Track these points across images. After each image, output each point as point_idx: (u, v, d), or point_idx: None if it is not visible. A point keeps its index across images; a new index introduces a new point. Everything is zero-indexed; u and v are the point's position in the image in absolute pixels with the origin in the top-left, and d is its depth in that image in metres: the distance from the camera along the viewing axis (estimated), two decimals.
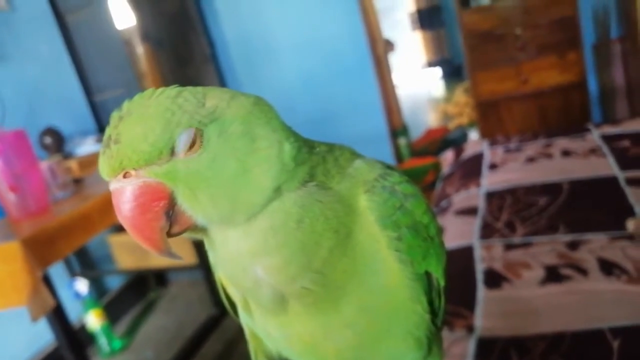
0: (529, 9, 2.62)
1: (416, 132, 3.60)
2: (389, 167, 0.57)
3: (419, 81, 5.18)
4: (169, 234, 0.47)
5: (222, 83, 3.48)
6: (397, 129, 3.32)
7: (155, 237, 0.46)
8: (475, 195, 1.79)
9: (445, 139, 3.36)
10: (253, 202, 0.48)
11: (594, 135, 2.00)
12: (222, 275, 0.59)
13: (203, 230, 0.50)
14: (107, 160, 0.45)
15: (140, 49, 2.90)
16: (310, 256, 0.49)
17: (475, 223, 1.60)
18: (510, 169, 1.92)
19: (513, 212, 1.61)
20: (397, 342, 0.56)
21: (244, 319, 0.63)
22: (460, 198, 1.82)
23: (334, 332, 0.54)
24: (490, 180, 1.87)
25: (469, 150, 2.24)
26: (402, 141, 3.28)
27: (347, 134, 3.43)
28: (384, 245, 0.52)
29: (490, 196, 1.75)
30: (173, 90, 0.48)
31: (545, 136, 2.13)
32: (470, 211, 1.69)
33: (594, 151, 1.85)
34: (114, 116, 0.47)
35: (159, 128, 0.45)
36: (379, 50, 3.28)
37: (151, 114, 0.46)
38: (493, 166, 1.99)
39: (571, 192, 1.62)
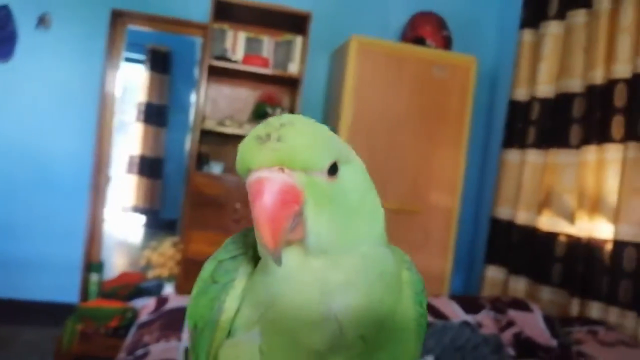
0: None
1: (107, 273, 3.39)
2: None
3: (122, 222, 5.02)
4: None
5: None
6: (93, 264, 3.08)
7: (279, 233, 0.47)
8: (175, 349, 1.75)
9: (139, 287, 3.24)
10: (357, 236, 0.53)
11: None
12: (270, 312, 0.54)
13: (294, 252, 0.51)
14: (268, 151, 0.49)
15: None
16: (378, 308, 0.53)
17: None
18: None
19: None
20: None
21: None
22: (160, 349, 1.75)
23: None
24: None
25: (174, 302, 2.22)
26: (93, 277, 3.03)
27: (36, 252, 3.04)
28: (412, 318, 0.58)
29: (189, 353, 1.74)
30: (325, 126, 0.55)
31: None
32: None
33: None
34: (271, 120, 0.52)
35: (323, 148, 0.51)
36: (101, 180, 3.16)
37: (316, 134, 0.52)
38: None
39: None
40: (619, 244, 2.18)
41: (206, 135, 3.12)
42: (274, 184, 0.48)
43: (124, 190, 5.12)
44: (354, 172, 0.55)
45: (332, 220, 0.51)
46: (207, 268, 0.62)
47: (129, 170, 5.27)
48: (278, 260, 0.48)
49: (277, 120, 0.52)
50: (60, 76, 3.09)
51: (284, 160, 0.49)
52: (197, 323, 0.60)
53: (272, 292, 0.53)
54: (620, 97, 2.28)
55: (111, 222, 3.75)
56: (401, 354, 0.57)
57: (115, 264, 3.80)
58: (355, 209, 0.54)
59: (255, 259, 0.58)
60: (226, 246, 0.63)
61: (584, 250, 2.39)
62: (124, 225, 4.99)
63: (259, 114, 3.11)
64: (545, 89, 2.79)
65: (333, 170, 0.52)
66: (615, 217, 2.22)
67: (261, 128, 0.51)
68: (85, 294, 3.06)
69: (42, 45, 3.05)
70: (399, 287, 0.57)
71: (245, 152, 0.51)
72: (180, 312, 2.11)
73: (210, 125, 3.02)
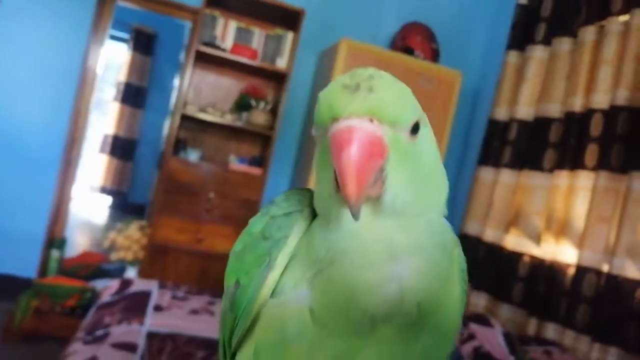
0: (226, 180, 2.95)
1: (69, 251, 3.31)
2: None
3: (89, 201, 4.91)
4: None
5: None
6: (55, 240, 3.00)
7: (364, 184, 0.45)
8: (137, 332, 1.72)
9: (100, 268, 3.17)
10: (427, 202, 0.52)
11: None
12: (328, 270, 0.51)
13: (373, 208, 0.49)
14: (360, 100, 0.47)
15: None
16: (437, 276, 0.52)
17: None
18: (174, 315, 1.94)
19: (172, 358, 1.60)
20: None
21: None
22: (121, 331, 1.72)
23: None
24: (154, 321, 1.84)
25: (138, 285, 2.18)
26: (55, 254, 2.95)
27: None
28: (457, 294, 0.57)
29: (152, 337, 1.71)
30: (404, 84, 0.52)
31: (211, 295, 2.27)
32: (130, 347, 1.61)
33: None
34: (358, 72, 0.49)
35: (411, 105, 0.50)
36: (73, 156, 3.09)
37: (403, 90, 0.51)
38: (159, 308, 1.98)
39: None
40: (581, 269, 2.24)
41: (186, 120, 3.07)
42: (364, 135, 0.46)
43: (93, 169, 5.01)
44: (429, 137, 0.54)
45: (410, 181, 0.50)
46: (257, 223, 0.60)
47: (101, 150, 5.16)
48: (357, 214, 0.46)
49: (365, 72, 0.50)
50: (42, 45, 2.99)
51: (374, 111, 0.47)
52: (241, 279, 0.58)
53: (334, 249, 0.51)
54: (596, 127, 2.35)
55: (78, 199, 3.66)
56: (446, 329, 0.57)
57: (78, 242, 3.71)
58: (428, 174, 0.53)
59: (310, 218, 0.57)
60: (279, 203, 0.60)
61: (546, 272, 2.44)
62: (90, 204, 4.89)
63: (242, 105, 3.09)
64: (525, 111, 2.85)
65: (415, 129, 0.51)
66: (580, 243, 2.28)
67: (348, 78, 0.49)
68: (44, 270, 2.97)
69: (26, 11, 2.95)
70: (452, 261, 0.57)
71: (333, 99, 0.48)
72: (144, 296, 2.07)
73: (191, 111, 2.98)
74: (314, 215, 0.57)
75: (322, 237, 0.53)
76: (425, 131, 0.53)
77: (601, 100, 2.35)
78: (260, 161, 3.12)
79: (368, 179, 0.46)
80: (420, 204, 0.51)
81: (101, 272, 3.17)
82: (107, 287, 2.23)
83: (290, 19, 3.06)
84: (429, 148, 0.53)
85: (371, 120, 0.47)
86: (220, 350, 0.65)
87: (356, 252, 0.50)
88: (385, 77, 0.50)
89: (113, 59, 4.58)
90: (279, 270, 0.55)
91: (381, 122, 0.48)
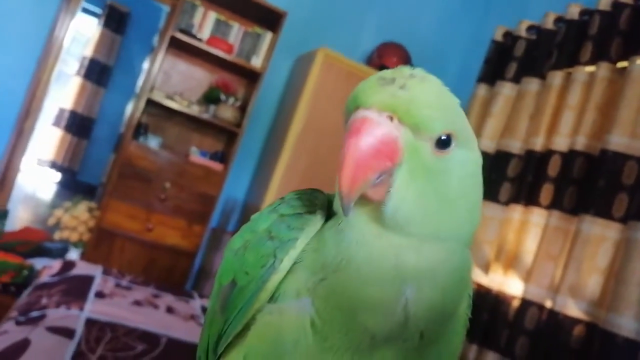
0: (184, 172, 2.88)
1: (10, 224, 3.14)
2: None
3: (36, 175, 4.69)
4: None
5: None
6: None
7: (360, 181, 0.43)
8: (75, 317, 1.65)
9: (41, 245, 3.03)
10: (445, 228, 0.48)
11: (196, 304, 2.18)
12: (333, 278, 0.48)
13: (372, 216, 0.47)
14: (385, 94, 0.44)
15: None
16: (447, 310, 0.49)
17: (69, 347, 1.46)
18: (117, 304, 1.87)
19: (110, 349, 1.54)
20: None
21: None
22: (58, 315, 1.64)
23: None
24: (94, 308, 1.77)
25: (81, 268, 2.10)
26: None
27: None
28: (462, 321, 0.54)
29: (91, 324, 1.64)
30: (457, 99, 0.50)
31: (156, 287, 2.20)
32: (67, 332, 1.54)
33: (193, 317, 2.01)
34: (403, 68, 0.47)
35: (442, 113, 0.46)
36: (27, 127, 2.95)
37: (442, 98, 0.48)
38: (101, 294, 1.90)
39: (167, 348, 1.68)
40: (524, 302, 2.31)
41: (150, 105, 2.99)
42: (377, 129, 0.44)
43: (44, 142, 4.79)
44: (468, 161, 0.50)
45: (421, 197, 0.46)
46: (262, 220, 0.55)
47: (55, 123, 4.94)
48: (347, 209, 0.43)
49: (410, 70, 0.48)
50: (10, 8, 2.85)
51: (397, 109, 0.45)
52: (238, 279, 0.53)
53: (341, 255, 0.48)
54: (554, 167, 2.44)
55: (25, 172, 3.48)
56: (447, 356, 0.54)
57: (20, 216, 3.54)
58: (452, 200, 0.48)
59: (322, 221, 0.52)
60: (289, 201, 0.56)
61: (491, 301, 2.51)
62: (37, 178, 4.67)
63: (211, 98, 3.03)
64: (487, 143, 2.92)
65: (444, 144, 0.47)
66: (527, 277, 2.35)
67: (389, 72, 0.47)
68: None
69: None
70: (464, 289, 0.54)
71: (362, 89, 0.46)
72: (86, 281, 1.99)
73: (158, 96, 2.90)
74: (326, 218, 0.53)
75: (333, 240, 0.49)
76: (465, 154, 0.49)
77: (561, 142, 2.44)
78: (221, 157, 3.07)
79: (365, 175, 0.43)
80: (434, 227, 0.47)
81: (42, 251, 3.03)
82: (47, 267, 2.14)
83: (272, 20, 3.03)
84: (461, 171, 0.49)
85: (391, 118, 0.45)
86: (201, 353, 0.60)
87: (361, 263, 0.47)
88: (428, 80, 0.48)
89: (81, 32, 4.42)
90: (282, 274, 0.51)
91: (401, 122, 0.45)
